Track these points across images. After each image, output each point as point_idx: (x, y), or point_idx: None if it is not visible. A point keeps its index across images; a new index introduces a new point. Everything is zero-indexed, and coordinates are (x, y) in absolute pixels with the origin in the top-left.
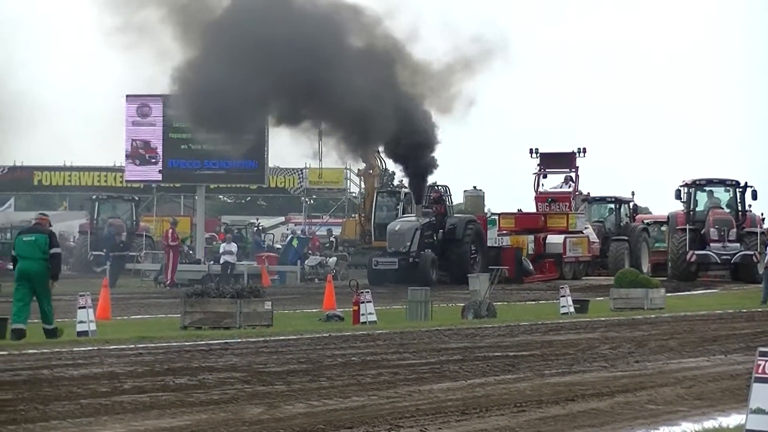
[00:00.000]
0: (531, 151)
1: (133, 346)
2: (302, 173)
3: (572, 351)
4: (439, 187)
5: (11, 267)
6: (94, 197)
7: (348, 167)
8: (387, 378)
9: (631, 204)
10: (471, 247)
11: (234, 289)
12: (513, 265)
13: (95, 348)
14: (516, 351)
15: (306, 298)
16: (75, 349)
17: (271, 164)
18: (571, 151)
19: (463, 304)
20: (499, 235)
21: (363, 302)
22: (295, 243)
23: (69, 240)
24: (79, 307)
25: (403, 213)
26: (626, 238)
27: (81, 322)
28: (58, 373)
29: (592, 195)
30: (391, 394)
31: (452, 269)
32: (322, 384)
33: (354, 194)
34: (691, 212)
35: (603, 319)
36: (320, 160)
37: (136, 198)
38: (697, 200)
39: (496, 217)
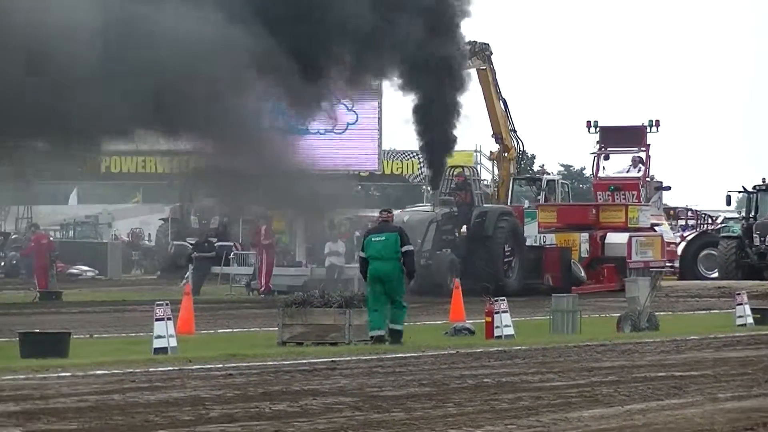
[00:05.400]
0: (589, 124)
1: (221, 365)
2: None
3: (751, 370)
4: (465, 169)
5: (359, 269)
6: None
7: (479, 149)
8: (527, 403)
9: None
10: (504, 246)
11: (342, 297)
12: (558, 271)
13: (176, 368)
14: (683, 370)
15: (429, 307)
16: (151, 369)
17: (385, 146)
18: (641, 124)
19: (618, 315)
20: (540, 232)
21: (498, 312)
22: None
23: (144, 239)
24: (156, 319)
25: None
26: None
27: (159, 337)
28: (132, 398)
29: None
30: (533, 423)
31: (479, 275)
32: (449, 411)
33: (485, 182)
34: None
35: None
36: None
37: None
38: None
39: (536, 210)
